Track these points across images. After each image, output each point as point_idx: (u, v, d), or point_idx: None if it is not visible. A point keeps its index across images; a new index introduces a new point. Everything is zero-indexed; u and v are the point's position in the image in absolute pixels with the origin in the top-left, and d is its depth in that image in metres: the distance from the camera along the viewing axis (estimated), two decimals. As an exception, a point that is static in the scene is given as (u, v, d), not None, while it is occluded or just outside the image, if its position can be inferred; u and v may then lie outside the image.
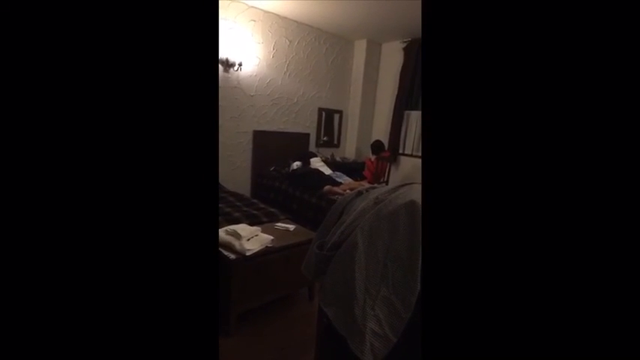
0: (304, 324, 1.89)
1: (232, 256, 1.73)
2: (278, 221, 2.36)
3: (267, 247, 1.87)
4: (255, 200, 2.96)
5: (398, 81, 4.39)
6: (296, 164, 3.80)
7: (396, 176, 4.39)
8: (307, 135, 4.42)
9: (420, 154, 4.29)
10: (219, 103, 3.36)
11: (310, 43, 4.15)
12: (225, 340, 1.71)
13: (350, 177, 3.86)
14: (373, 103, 4.84)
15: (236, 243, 1.77)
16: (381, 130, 4.73)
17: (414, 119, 4.42)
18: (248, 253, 1.75)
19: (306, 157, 3.95)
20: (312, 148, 4.47)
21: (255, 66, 3.71)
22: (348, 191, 2.92)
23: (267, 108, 3.94)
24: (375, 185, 2.26)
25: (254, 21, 3.59)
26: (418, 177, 0.96)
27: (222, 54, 3.39)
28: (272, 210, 2.60)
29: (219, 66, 3.41)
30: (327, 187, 3.24)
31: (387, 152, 4.16)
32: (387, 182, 4.01)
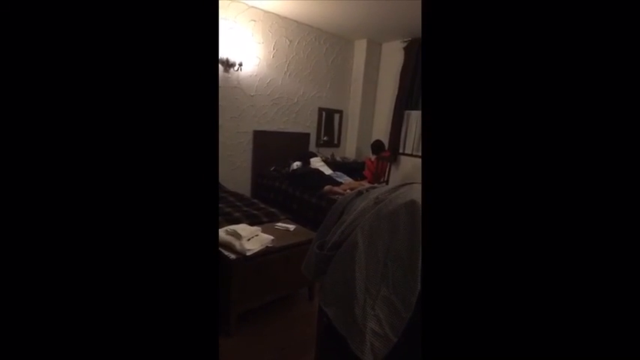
0: (304, 324, 1.89)
1: (232, 256, 1.73)
2: (278, 221, 2.36)
3: (267, 247, 1.87)
4: (255, 200, 2.96)
5: (398, 81, 4.39)
6: (296, 164, 3.80)
7: (396, 176, 4.39)
8: (307, 135, 4.42)
9: (420, 153, 4.29)
10: (220, 103, 3.36)
11: (310, 43, 4.15)
12: (225, 340, 1.71)
13: (350, 177, 3.86)
14: (373, 103, 4.84)
15: (236, 243, 1.77)
16: (381, 130, 4.73)
17: (414, 119, 4.42)
18: (248, 253, 1.75)
19: (306, 157, 3.95)
20: (312, 148, 4.48)
21: (256, 66, 3.71)
22: (348, 191, 2.91)
23: (267, 108, 3.94)
24: (376, 185, 2.26)
25: (254, 21, 3.59)
26: (418, 177, 0.96)
27: (223, 54, 3.39)
28: (272, 210, 2.60)
29: (220, 66, 3.41)
30: (327, 187, 3.24)
31: (387, 152, 4.16)
32: (387, 182, 4.01)
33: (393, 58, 4.50)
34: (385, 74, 4.67)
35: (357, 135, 4.77)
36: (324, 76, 4.41)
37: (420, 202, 0.87)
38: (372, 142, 4.21)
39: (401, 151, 4.53)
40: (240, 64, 3.48)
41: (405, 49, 4.26)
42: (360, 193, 1.17)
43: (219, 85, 3.44)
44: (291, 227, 2.24)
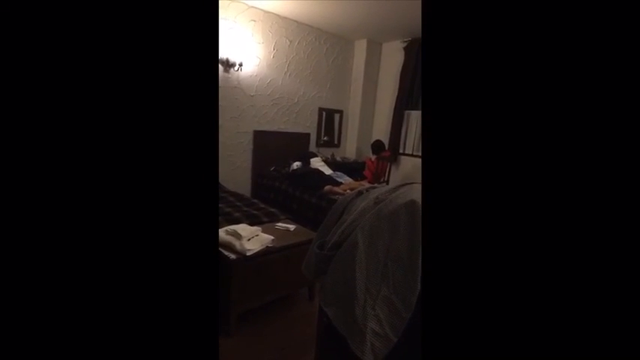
0: (304, 324, 1.89)
1: (232, 256, 1.73)
2: (278, 221, 2.36)
3: (267, 247, 1.87)
4: (255, 200, 2.96)
5: (398, 81, 4.39)
6: (296, 164, 3.80)
7: (396, 176, 4.39)
8: (307, 135, 4.42)
9: (420, 153, 4.29)
10: (220, 103, 3.36)
11: (310, 43, 4.15)
12: (225, 340, 1.71)
13: (350, 177, 3.86)
14: (373, 103, 4.84)
15: (236, 243, 1.77)
16: (381, 130, 4.73)
17: (414, 119, 4.42)
18: (248, 253, 1.75)
19: (306, 157, 3.95)
20: (312, 148, 4.48)
21: (256, 66, 3.71)
22: (348, 191, 2.92)
23: (267, 108, 3.94)
24: (376, 185, 2.25)
25: (254, 21, 3.59)
26: (418, 177, 0.96)
27: (223, 54, 3.39)
28: (272, 210, 2.60)
29: (220, 66, 3.41)
30: (327, 187, 3.24)
31: (388, 152, 4.16)
32: (387, 182, 4.01)
33: (393, 58, 4.50)
34: (385, 74, 4.67)
35: (357, 135, 4.77)
36: (324, 76, 4.41)
37: (420, 202, 0.87)
38: (372, 142, 4.21)
39: (401, 151, 4.53)
40: (240, 64, 3.48)
41: (405, 49, 4.26)
42: (360, 193, 1.17)
43: (219, 85, 3.44)
44: (291, 227, 2.24)
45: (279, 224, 2.28)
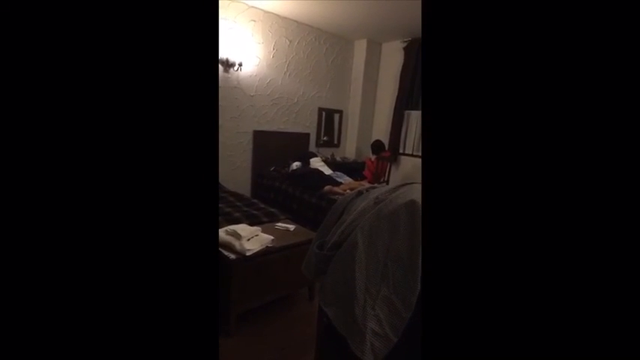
0: (304, 324, 1.89)
1: (232, 256, 1.73)
2: (278, 221, 2.36)
3: (267, 247, 1.87)
4: (255, 200, 2.96)
5: (398, 81, 4.40)
6: (295, 164, 3.80)
7: (396, 176, 4.39)
8: (307, 135, 4.42)
9: (420, 154, 4.29)
10: (220, 103, 3.36)
11: (310, 43, 4.15)
12: (225, 340, 1.71)
13: (350, 177, 3.86)
14: (373, 103, 4.84)
15: (236, 243, 1.77)
16: (381, 130, 4.73)
17: (414, 119, 4.42)
18: (248, 253, 1.75)
19: (306, 157, 3.95)
20: (312, 147, 4.48)
21: (255, 66, 3.71)
22: (348, 191, 2.92)
23: (267, 108, 3.94)
24: (376, 185, 2.26)
25: (254, 21, 3.59)
26: (418, 177, 0.96)
27: (222, 54, 3.39)
28: (272, 210, 2.60)
29: (219, 66, 3.41)
30: (327, 187, 3.24)
31: (388, 152, 4.16)
32: (387, 182, 4.01)
33: (393, 58, 4.50)
34: (385, 74, 4.67)
35: (357, 135, 4.77)
36: (324, 76, 4.41)
37: (420, 202, 0.87)
38: (372, 142, 4.21)
39: (401, 151, 4.54)
40: (240, 64, 3.48)
41: (405, 49, 4.26)
42: (360, 193, 1.17)
43: (219, 85, 3.44)
44: (291, 227, 2.24)
45: (279, 224, 2.28)
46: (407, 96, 4.33)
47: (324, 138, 4.66)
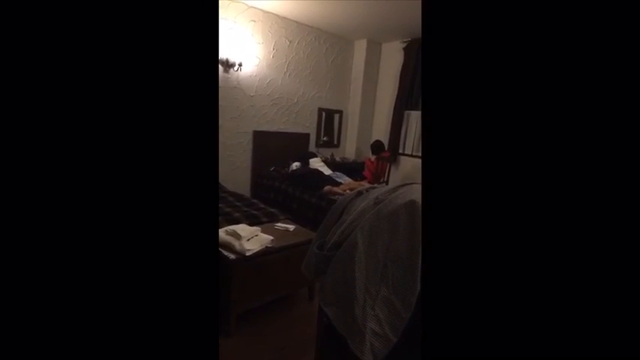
0: (304, 324, 1.89)
1: (232, 256, 1.73)
2: (278, 221, 2.36)
3: (267, 247, 1.87)
4: (255, 200, 2.96)
5: (398, 81, 4.40)
6: (295, 165, 3.80)
7: (396, 176, 4.39)
8: (307, 135, 4.42)
9: (420, 154, 4.29)
10: (220, 103, 3.36)
11: (310, 43, 4.15)
12: (225, 340, 1.71)
13: (350, 177, 3.86)
14: (373, 103, 4.84)
15: (236, 243, 1.77)
16: (381, 130, 4.73)
17: (414, 119, 4.42)
18: (248, 254, 1.75)
19: (305, 158, 3.95)
20: (312, 148, 4.48)
21: (255, 66, 3.71)
22: (348, 191, 2.92)
23: (267, 108, 3.94)
24: (375, 185, 2.26)
25: (254, 21, 3.59)
26: (418, 177, 0.97)
27: (222, 54, 3.39)
28: (272, 210, 2.60)
29: (219, 66, 3.41)
30: (327, 187, 3.24)
31: (387, 152, 4.16)
32: (387, 182, 4.01)
33: (392, 58, 4.50)
34: (385, 74, 4.67)
35: (357, 135, 4.77)
36: (324, 76, 4.41)
37: (420, 203, 0.87)
38: (371, 142, 4.21)
39: (401, 151, 4.54)
40: (240, 65, 3.48)
41: (405, 49, 4.26)
42: (359, 193, 1.18)
43: (219, 85, 3.44)
44: (291, 227, 2.24)
45: (279, 224, 2.28)
46: (407, 96, 4.33)
47: (324, 138, 4.66)
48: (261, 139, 3.93)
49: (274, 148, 4.04)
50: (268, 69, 3.83)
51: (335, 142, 4.80)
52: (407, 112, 4.43)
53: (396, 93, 4.43)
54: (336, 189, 3.20)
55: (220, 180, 3.42)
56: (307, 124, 4.42)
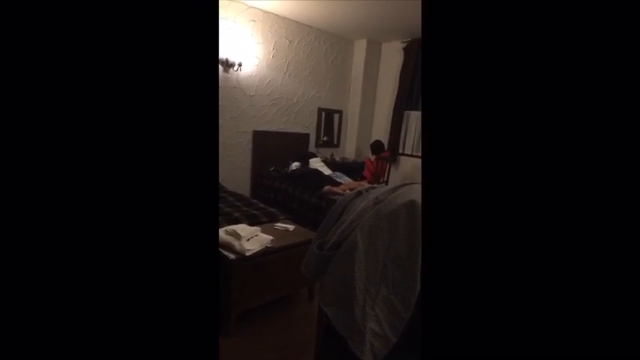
0: (304, 324, 1.89)
1: (232, 256, 1.73)
2: (278, 221, 2.36)
3: (266, 247, 1.87)
4: (254, 200, 2.96)
5: (398, 81, 4.40)
6: (295, 165, 3.80)
7: (395, 176, 4.39)
8: (307, 135, 4.42)
9: (419, 154, 4.29)
10: (219, 103, 3.36)
11: (310, 43, 4.15)
12: (225, 340, 1.71)
13: (350, 177, 3.86)
14: (373, 103, 4.84)
15: (236, 243, 1.77)
16: (380, 130, 4.73)
17: (414, 119, 4.42)
18: (248, 253, 1.75)
19: (305, 157, 3.95)
20: (311, 148, 4.47)
21: (255, 66, 3.71)
22: (347, 191, 2.92)
23: (266, 108, 3.94)
24: (375, 185, 2.26)
25: (254, 21, 3.59)
26: (418, 177, 0.97)
27: (222, 54, 3.39)
28: (272, 210, 2.60)
29: (219, 66, 3.41)
30: (327, 187, 3.24)
31: (387, 152, 4.16)
32: (386, 182, 4.01)
33: (392, 58, 4.50)
34: (385, 74, 4.67)
35: (357, 135, 4.77)
36: (324, 76, 4.41)
37: (420, 203, 0.87)
38: (371, 142, 4.21)
39: (400, 151, 4.54)
40: (240, 64, 3.48)
41: (405, 49, 4.26)
42: (359, 193, 1.18)
43: (219, 85, 3.44)
44: (291, 227, 2.24)
45: (279, 224, 2.28)
46: (406, 96, 4.33)
47: (324, 138, 4.66)
48: (261, 139, 3.93)
49: (274, 148, 4.04)
50: (268, 69, 3.83)
51: (335, 142, 4.80)
52: (407, 112, 4.43)
53: (395, 93, 4.43)
54: (335, 189, 3.20)
55: (220, 180, 3.42)
56: (307, 124, 4.42)
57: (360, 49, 4.55)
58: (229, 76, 3.53)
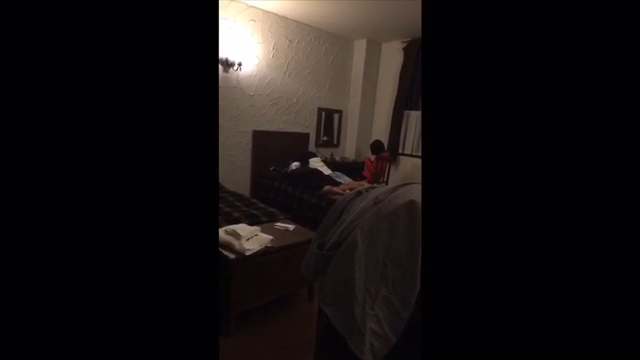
0: (304, 324, 1.89)
1: (232, 256, 1.73)
2: (277, 221, 2.36)
3: (266, 247, 1.86)
4: (254, 200, 2.96)
5: (398, 81, 4.40)
6: (295, 165, 3.80)
7: (395, 176, 4.39)
8: (307, 135, 4.42)
9: (419, 154, 4.29)
10: (219, 103, 3.36)
11: (310, 43, 4.15)
12: (225, 340, 1.71)
13: (349, 177, 3.86)
14: (373, 103, 4.84)
15: (235, 243, 1.77)
16: (380, 130, 4.73)
17: (413, 119, 4.42)
18: (247, 253, 1.75)
19: (305, 157, 3.95)
20: (311, 147, 4.47)
21: (255, 66, 3.71)
22: (347, 191, 2.92)
23: (266, 108, 3.94)
24: (375, 185, 2.26)
25: (254, 21, 3.59)
26: (418, 177, 0.97)
27: (222, 54, 3.39)
28: (271, 210, 2.60)
29: (219, 66, 3.41)
30: (326, 187, 3.24)
31: (387, 152, 4.16)
32: (386, 182, 4.01)
33: (392, 58, 4.50)
34: (385, 74, 4.67)
35: (357, 135, 4.77)
36: (324, 76, 4.41)
37: (420, 202, 0.87)
38: (371, 142, 4.21)
39: (400, 151, 4.54)
40: (240, 64, 3.48)
41: (405, 49, 4.26)
42: (359, 193, 1.18)
43: (219, 85, 3.43)
44: (291, 227, 2.24)
45: (279, 224, 2.28)
46: (406, 96, 4.33)
47: (324, 138, 4.66)
48: (261, 139, 3.93)
49: (274, 148, 4.04)
50: (268, 68, 3.83)
51: (335, 142, 4.80)
52: (407, 112, 4.43)
53: (395, 93, 4.44)
54: (335, 189, 3.20)
55: (220, 180, 3.42)
56: (307, 124, 4.42)
57: (359, 48, 4.55)
58: (229, 75, 3.53)
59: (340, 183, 3.47)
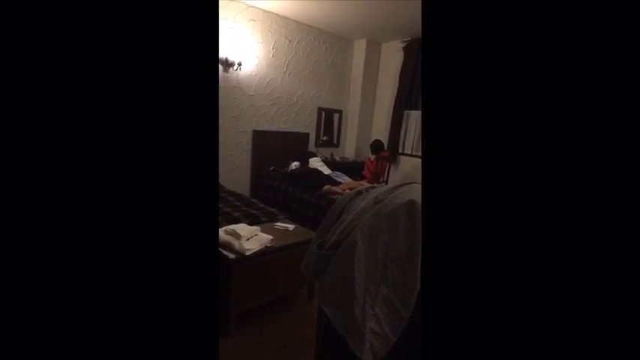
0: (304, 324, 1.89)
1: (232, 256, 1.73)
2: (277, 221, 2.36)
3: (266, 246, 1.86)
4: (254, 200, 2.96)
5: (398, 81, 4.40)
6: (294, 164, 3.80)
7: (395, 176, 4.39)
8: (307, 135, 4.42)
9: (419, 153, 4.29)
10: (219, 103, 3.36)
11: (310, 43, 4.15)
12: (225, 340, 1.71)
13: (349, 177, 3.86)
14: (373, 103, 4.84)
15: (235, 243, 1.77)
16: (380, 130, 4.73)
17: (413, 119, 4.42)
18: (247, 253, 1.75)
19: (305, 157, 3.95)
20: (311, 147, 4.47)
21: (255, 65, 3.71)
22: (347, 191, 2.92)
23: (266, 108, 3.94)
24: (375, 185, 2.26)
25: (253, 20, 3.59)
26: (418, 177, 0.97)
27: (222, 53, 3.39)
28: (271, 209, 2.60)
29: (219, 65, 3.41)
30: (326, 187, 3.24)
31: (387, 152, 4.16)
32: (386, 182, 4.01)
33: (392, 57, 4.50)
34: (385, 74, 4.67)
35: (357, 135, 4.77)
36: (324, 75, 4.41)
37: (420, 202, 0.87)
38: (371, 141, 4.21)
39: (400, 151, 4.54)
40: (240, 64, 3.48)
41: (405, 49, 4.26)
42: (359, 192, 1.18)
43: (219, 84, 3.43)
44: (291, 227, 2.24)
45: (278, 224, 2.28)
46: (406, 96, 4.33)
47: (324, 138, 4.66)
48: (261, 139, 3.93)
49: (274, 148, 4.04)
50: (268, 68, 3.83)
51: (334, 142, 4.80)
52: (406, 111, 4.43)
53: (395, 93, 4.43)
54: (335, 188, 3.20)
55: (220, 179, 3.42)
56: (307, 124, 4.42)
57: (359, 48, 4.55)
58: (229, 75, 3.53)
59: (340, 183, 3.47)
